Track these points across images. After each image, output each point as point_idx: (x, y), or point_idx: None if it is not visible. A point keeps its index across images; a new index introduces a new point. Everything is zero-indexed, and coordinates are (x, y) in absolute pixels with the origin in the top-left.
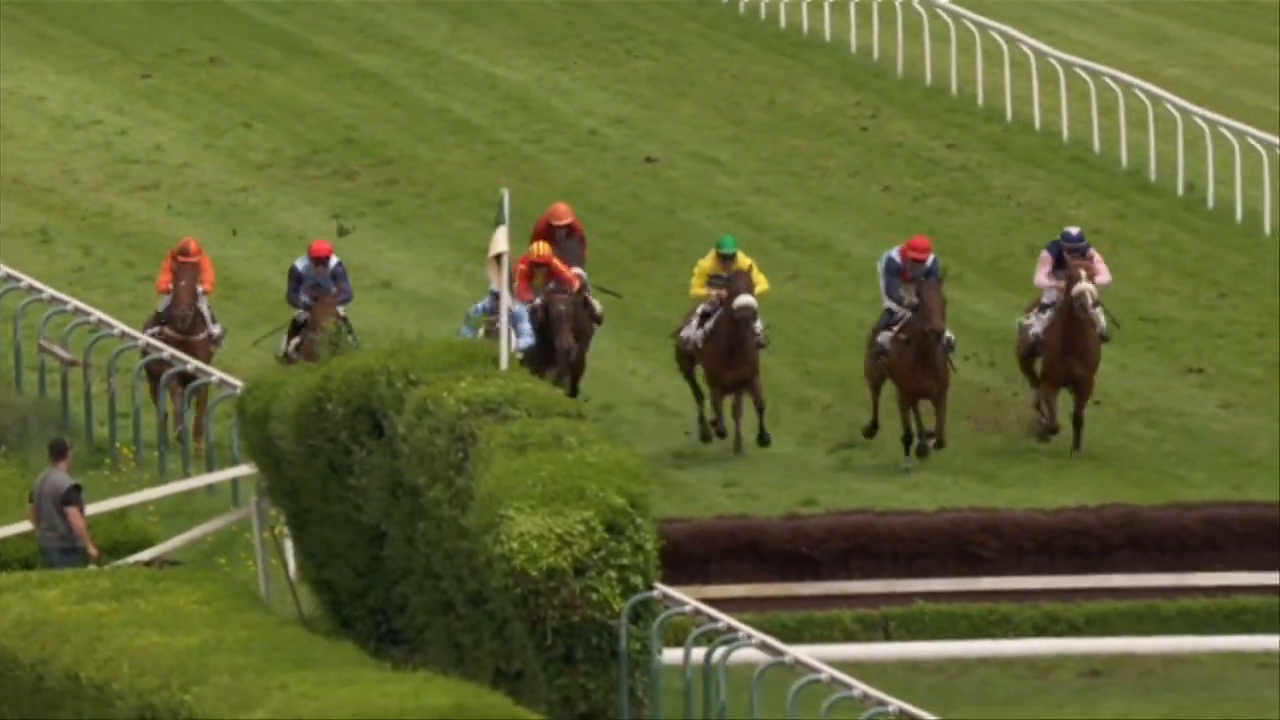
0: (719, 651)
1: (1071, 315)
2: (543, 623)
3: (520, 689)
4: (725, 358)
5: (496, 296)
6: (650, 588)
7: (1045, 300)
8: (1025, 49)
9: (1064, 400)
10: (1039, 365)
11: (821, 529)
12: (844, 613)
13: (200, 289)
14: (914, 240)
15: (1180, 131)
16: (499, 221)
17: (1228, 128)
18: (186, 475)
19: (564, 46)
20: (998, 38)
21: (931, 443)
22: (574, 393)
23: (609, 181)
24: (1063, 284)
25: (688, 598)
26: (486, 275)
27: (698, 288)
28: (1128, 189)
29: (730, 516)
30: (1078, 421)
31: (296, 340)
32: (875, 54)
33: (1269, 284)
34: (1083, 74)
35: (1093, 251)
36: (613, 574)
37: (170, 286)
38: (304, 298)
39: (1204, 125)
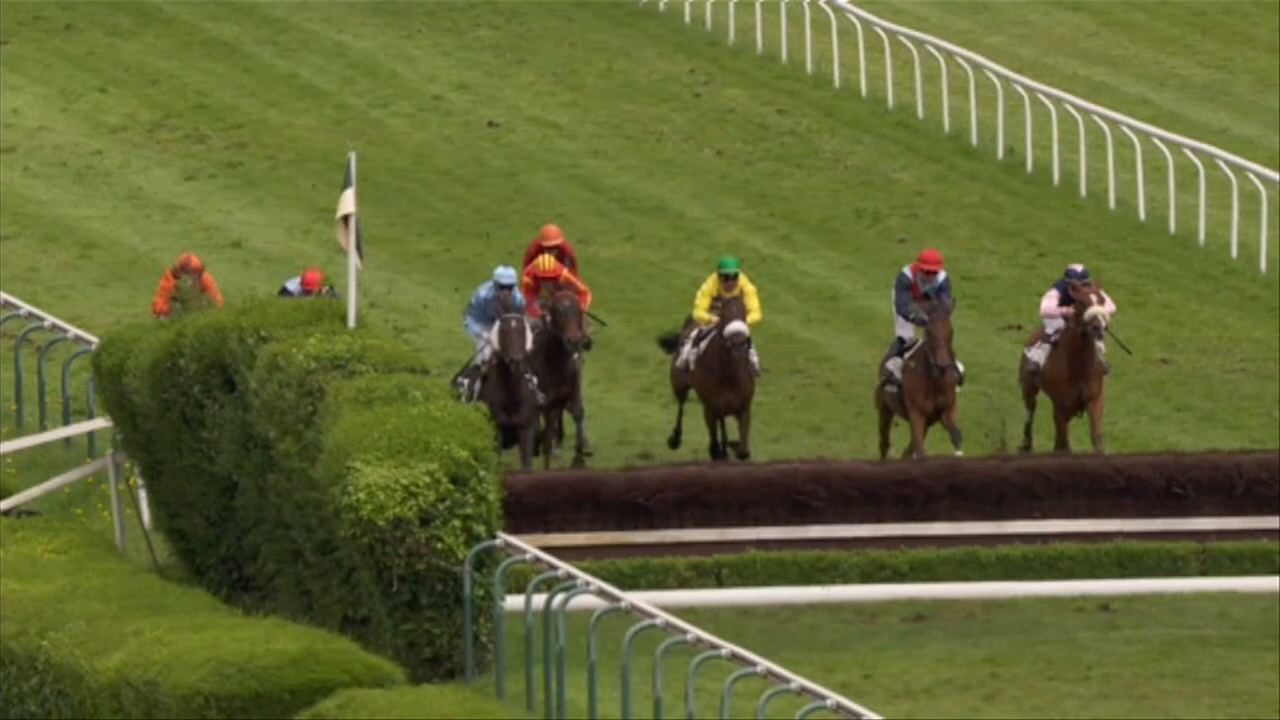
0: (559, 598)
1: (1080, 341)
2: (389, 570)
3: (367, 635)
4: (717, 383)
5: (502, 287)
6: (493, 536)
7: (1048, 331)
8: (852, 18)
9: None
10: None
11: (656, 480)
12: (678, 560)
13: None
14: (925, 253)
15: (1000, 98)
16: (346, 184)
17: (1045, 94)
18: (43, 428)
19: (409, 15)
20: (825, 7)
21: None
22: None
23: (453, 146)
24: (1071, 311)
25: (529, 546)
26: (335, 236)
27: (701, 310)
28: (950, 153)
29: (570, 468)
30: (1097, 443)
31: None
32: (708, 23)
33: (1085, 244)
34: (907, 42)
35: (1097, 284)
36: (457, 523)
37: (166, 308)
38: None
39: (1023, 92)
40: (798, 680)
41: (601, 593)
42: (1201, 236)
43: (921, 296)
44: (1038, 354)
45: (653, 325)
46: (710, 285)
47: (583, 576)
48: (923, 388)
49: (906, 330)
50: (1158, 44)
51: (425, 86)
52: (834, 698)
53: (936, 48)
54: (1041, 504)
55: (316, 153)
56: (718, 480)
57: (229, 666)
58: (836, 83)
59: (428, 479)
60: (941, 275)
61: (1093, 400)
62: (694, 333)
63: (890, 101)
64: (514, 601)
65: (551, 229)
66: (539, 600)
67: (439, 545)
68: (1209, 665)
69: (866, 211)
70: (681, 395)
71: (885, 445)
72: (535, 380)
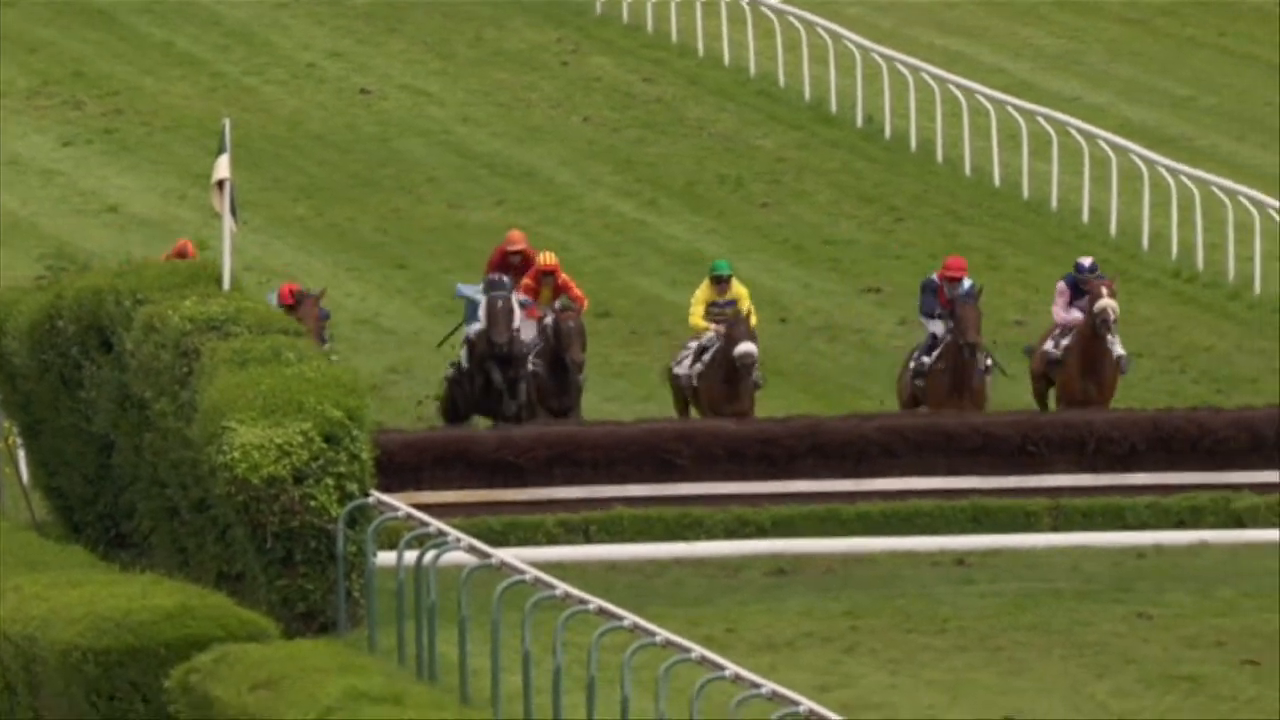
0: (430, 554)
1: (1092, 336)
2: (263, 528)
3: (242, 590)
4: (724, 398)
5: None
6: (365, 494)
7: (1061, 327)
8: None
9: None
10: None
11: (527, 439)
12: (547, 517)
13: None
14: (950, 260)
15: (859, 67)
16: (221, 150)
17: (903, 64)
18: None
19: None
20: None
21: None
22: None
23: (326, 112)
24: (1082, 314)
25: (401, 504)
26: (210, 200)
27: (697, 318)
28: (811, 120)
29: (441, 427)
30: None
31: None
32: None
33: (942, 209)
34: (768, 12)
35: (1107, 279)
36: (330, 482)
37: None
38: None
39: (881, 61)
40: (663, 634)
41: (472, 549)
42: (1054, 202)
43: (947, 303)
44: (1052, 347)
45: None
46: (703, 291)
47: (454, 533)
48: (945, 397)
49: (937, 326)
50: (1012, 15)
51: (299, 54)
52: (698, 650)
53: (797, 18)
54: (900, 462)
55: (192, 119)
56: (586, 439)
57: (106, 621)
58: (700, 52)
59: (301, 438)
60: (967, 282)
61: (1105, 402)
62: (694, 344)
63: (752, 70)
64: (386, 558)
65: (516, 234)
66: (410, 557)
67: (312, 503)
68: (1061, 617)
69: (730, 177)
70: (685, 409)
71: None
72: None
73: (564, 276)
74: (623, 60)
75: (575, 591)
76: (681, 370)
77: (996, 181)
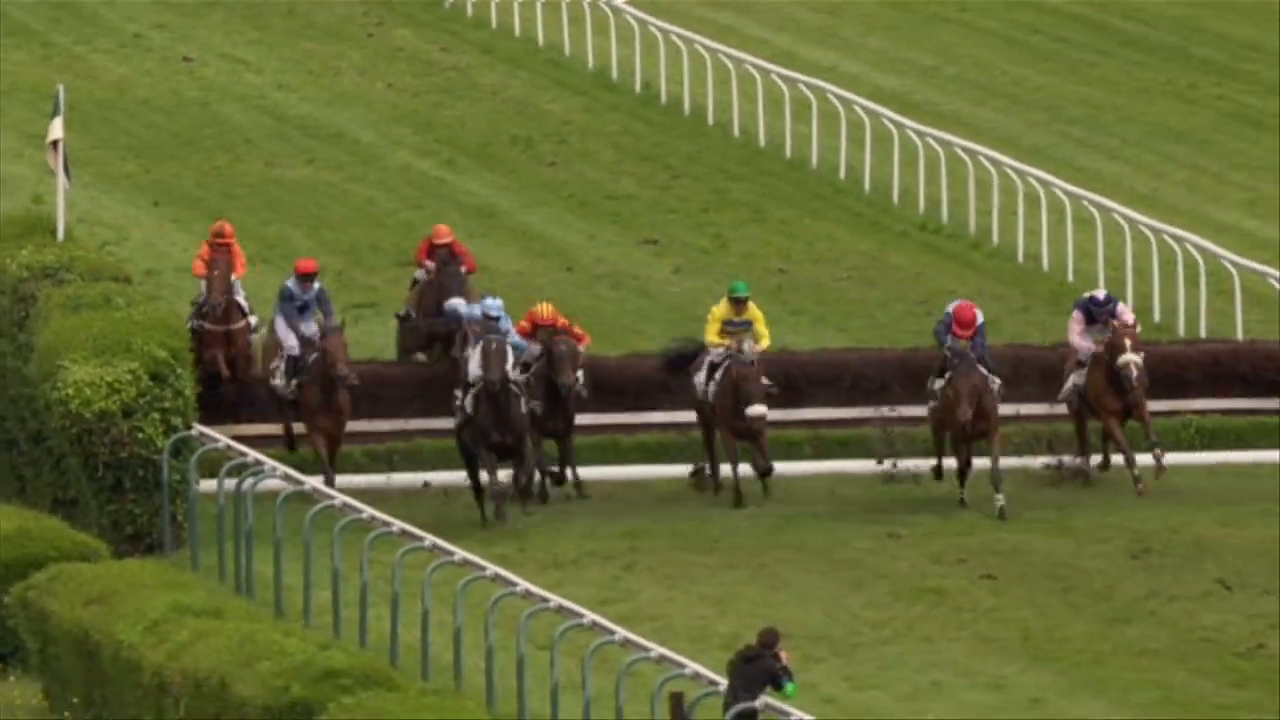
0: (247, 482)
1: (1113, 375)
2: (95, 458)
3: (75, 515)
4: (734, 414)
5: (489, 318)
6: (189, 427)
7: (1081, 358)
8: None
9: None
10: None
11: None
12: (355, 448)
13: (233, 277)
14: (960, 313)
15: (638, 39)
16: (55, 113)
17: (678, 35)
18: None
19: None
20: None
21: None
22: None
23: (152, 79)
24: (1101, 344)
25: (221, 436)
26: (45, 159)
27: (712, 334)
28: (594, 87)
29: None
30: (1155, 449)
31: (296, 382)
32: None
33: (712, 166)
34: None
35: (1122, 307)
36: (156, 416)
37: (206, 273)
38: (304, 330)
39: (658, 33)
40: (460, 553)
41: (286, 477)
42: (814, 161)
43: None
44: (1077, 377)
45: (332, 239)
46: (721, 309)
47: (270, 463)
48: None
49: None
50: None
51: (126, 25)
52: (492, 568)
53: None
54: (673, 396)
55: (27, 85)
56: (390, 376)
57: None
58: (493, 24)
59: (130, 376)
60: (974, 334)
61: (1139, 407)
62: (706, 361)
63: (541, 41)
64: (208, 485)
65: (442, 228)
66: (230, 484)
67: (140, 435)
68: (820, 537)
69: (520, 138)
70: (711, 435)
71: (940, 466)
72: (526, 401)
73: (563, 321)
74: (423, 32)
75: (380, 515)
76: (699, 389)
77: (762, 142)
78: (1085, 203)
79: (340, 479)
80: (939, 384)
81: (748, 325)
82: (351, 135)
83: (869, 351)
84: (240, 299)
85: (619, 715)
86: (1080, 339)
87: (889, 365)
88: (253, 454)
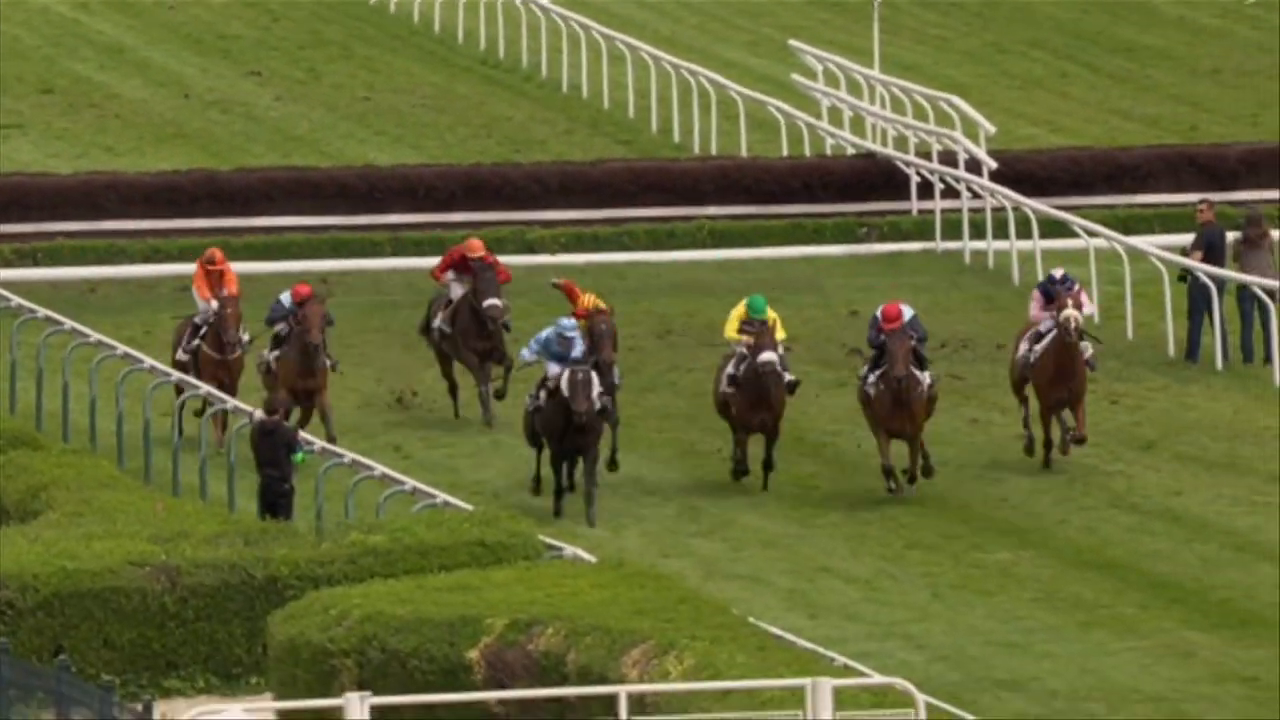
0: None
1: (1062, 343)
2: None
3: None
4: (752, 403)
5: (563, 337)
6: None
7: (1042, 329)
8: None
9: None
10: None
11: None
12: (4, 246)
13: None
14: (886, 311)
15: None
16: None
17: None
18: None
19: None
20: None
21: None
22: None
23: None
24: (1053, 321)
25: None
26: None
27: (731, 331)
28: None
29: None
30: (1078, 440)
31: (276, 353)
32: None
33: (308, 11)
34: None
35: (1079, 287)
36: None
37: (209, 298)
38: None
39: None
40: (96, 336)
41: None
42: (392, 7)
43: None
44: (1026, 347)
45: None
46: (740, 310)
47: None
48: (888, 413)
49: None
50: None
51: None
52: (122, 348)
53: None
54: (276, 204)
55: None
56: (34, 186)
57: None
58: None
59: None
60: (909, 314)
61: (1077, 402)
62: (729, 364)
63: None
64: None
65: (475, 242)
66: None
67: None
68: (399, 322)
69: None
70: (734, 424)
71: (886, 462)
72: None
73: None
74: None
75: (26, 303)
76: (722, 388)
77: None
78: (618, 42)
79: None
80: (871, 377)
81: (764, 324)
82: None
83: (440, 166)
84: (243, 333)
85: (232, 471)
86: (1040, 313)
87: (456, 178)
88: None
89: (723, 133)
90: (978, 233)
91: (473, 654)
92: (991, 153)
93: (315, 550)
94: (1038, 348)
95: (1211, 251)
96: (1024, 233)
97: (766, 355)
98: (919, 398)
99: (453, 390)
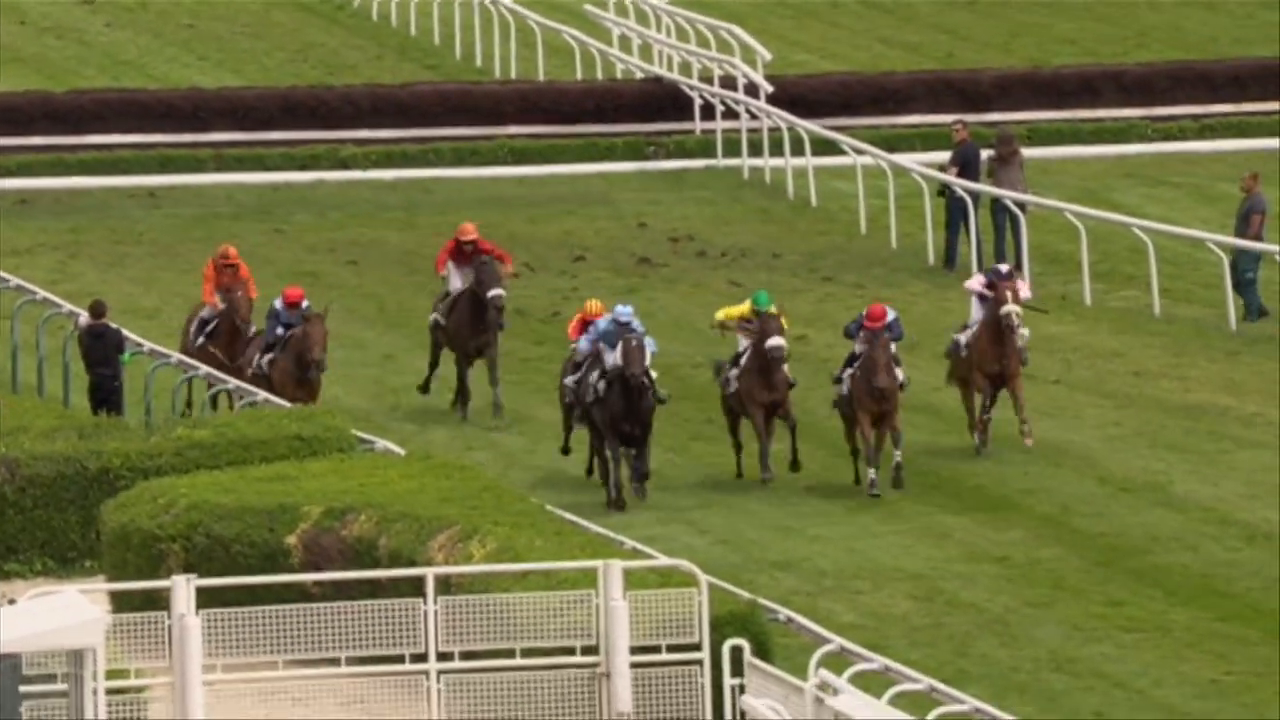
0: None
1: (998, 329)
2: None
3: None
4: (758, 389)
5: (620, 324)
6: None
7: (972, 320)
8: None
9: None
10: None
11: None
12: None
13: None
14: (871, 311)
15: None
16: None
17: None
18: None
19: None
20: None
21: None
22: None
23: None
24: (991, 296)
25: None
26: None
27: (724, 314)
28: None
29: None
30: (1023, 431)
31: (270, 356)
32: None
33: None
34: None
35: (1015, 275)
36: None
37: (218, 300)
38: (285, 327)
39: None
40: None
41: None
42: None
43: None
44: (962, 337)
45: None
46: (744, 307)
47: None
48: (866, 397)
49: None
50: None
51: None
52: None
53: None
54: (109, 123)
55: None
56: None
57: None
58: None
59: None
60: (891, 315)
61: (1014, 378)
62: (729, 365)
63: None
64: None
65: (468, 225)
66: None
67: None
68: (220, 234)
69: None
70: (736, 422)
71: (854, 452)
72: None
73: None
74: None
75: None
76: (729, 384)
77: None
78: None
79: None
80: (846, 374)
81: (769, 314)
82: None
83: (260, 89)
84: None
85: (67, 370)
86: (979, 285)
87: (274, 99)
88: None
89: (522, 58)
90: (755, 151)
91: (291, 539)
92: (768, 77)
93: (145, 443)
94: (967, 333)
95: (967, 168)
96: (798, 151)
97: (775, 340)
98: (897, 407)
99: (432, 367)
